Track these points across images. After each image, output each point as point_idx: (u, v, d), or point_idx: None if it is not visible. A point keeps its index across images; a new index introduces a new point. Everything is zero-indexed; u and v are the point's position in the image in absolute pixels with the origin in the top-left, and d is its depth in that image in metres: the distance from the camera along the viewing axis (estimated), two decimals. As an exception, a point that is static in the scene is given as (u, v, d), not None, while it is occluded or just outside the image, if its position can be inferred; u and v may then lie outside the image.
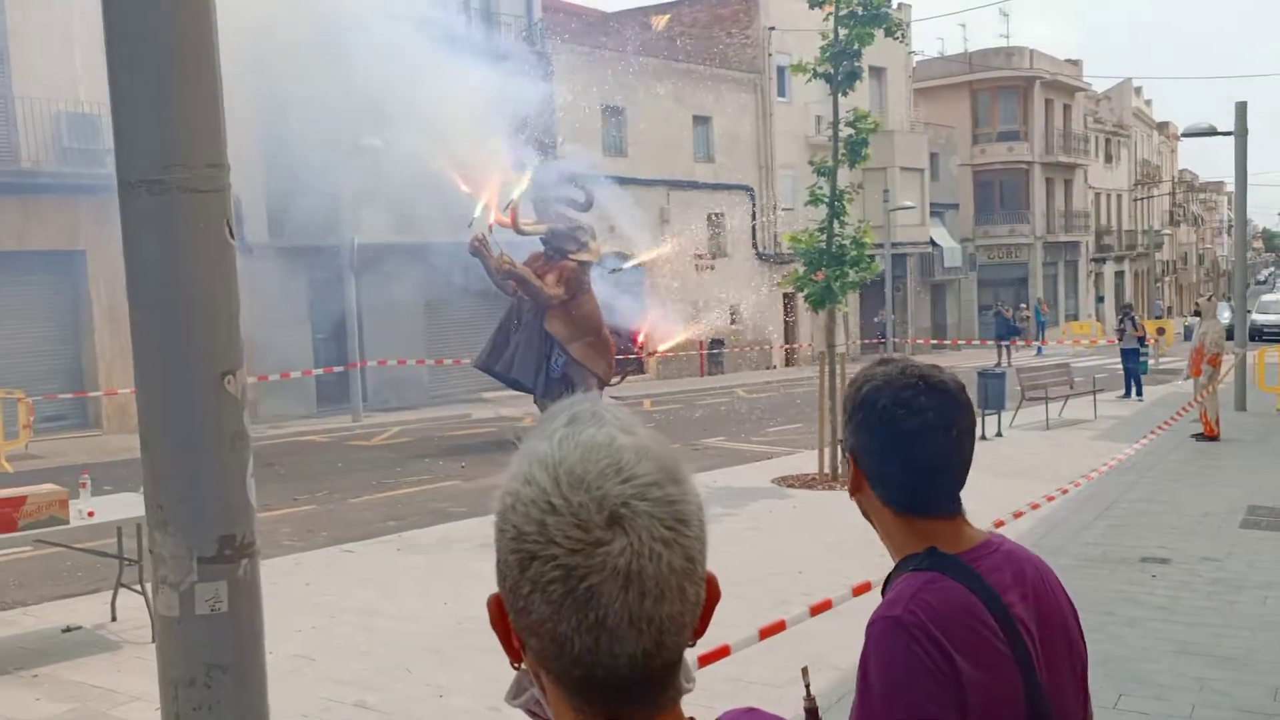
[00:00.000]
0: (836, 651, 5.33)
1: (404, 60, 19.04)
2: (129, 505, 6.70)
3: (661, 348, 18.09)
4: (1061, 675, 1.52)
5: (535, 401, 15.99)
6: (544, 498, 0.83)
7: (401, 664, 5.97)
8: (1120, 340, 20.65)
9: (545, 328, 15.63)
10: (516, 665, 0.92)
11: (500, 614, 0.89)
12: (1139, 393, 19.69)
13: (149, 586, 5.27)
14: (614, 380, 16.47)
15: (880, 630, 1.45)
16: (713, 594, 0.90)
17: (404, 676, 5.78)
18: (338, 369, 20.98)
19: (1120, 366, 20.69)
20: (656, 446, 0.87)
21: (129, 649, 6.32)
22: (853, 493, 1.64)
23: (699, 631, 0.90)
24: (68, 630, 6.79)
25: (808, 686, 1.44)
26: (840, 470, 11.52)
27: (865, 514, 1.65)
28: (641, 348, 17.61)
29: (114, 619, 6.90)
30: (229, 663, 2.13)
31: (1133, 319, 21.10)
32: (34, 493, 6.26)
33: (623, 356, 16.96)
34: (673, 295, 20.09)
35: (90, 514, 6.53)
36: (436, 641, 6.23)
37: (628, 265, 17.47)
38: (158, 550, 2.09)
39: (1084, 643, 1.60)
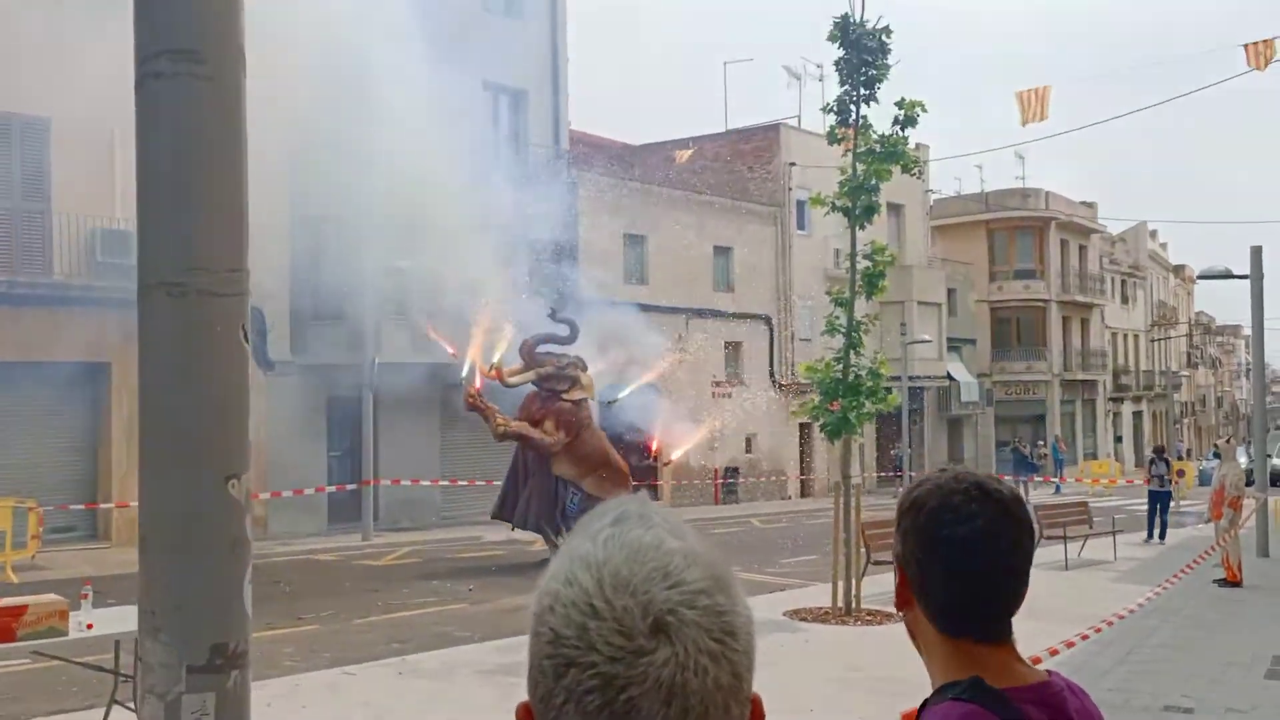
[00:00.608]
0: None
1: (434, 182, 19.58)
2: (129, 619, 6.59)
3: (675, 455, 18.06)
4: None
5: (551, 541, 15.88)
6: (586, 600, 0.77)
7: (396, 793, 5.76)
8: (1150, 482, 19.87)
9: (554, 472, 15.68)
10: None
11: None
12: (1163, 535, 19.27)
13: (143, 702, 5.14)
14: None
15: None
16: (757, 716, 0.84)
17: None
18: (350, 486, 20.92)
19: (1143, 508, 20.31)
20: (706, 552, 0.82)
21: (118, 768, 6.14)
22: (899, 607, 1.53)
23: None
24: (58, 747, 6.61)
25: None
26: (854, 604, 11.29)
27: (910, 633, 1.54)
28: (656, 457, 17.60)
29: (105, 736, 6.72)
30: (213, 779, 2.05)
31: (1166, 460, 20.58)
32: (35, 603, 6.19)
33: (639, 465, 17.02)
34: (683, 404, 20.08)
35: (89, 626, 6.44)
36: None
37: (623, 394, 17.52)
38: (147, 659, 2.05)
39: None
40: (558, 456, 15.72)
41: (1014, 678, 1.44)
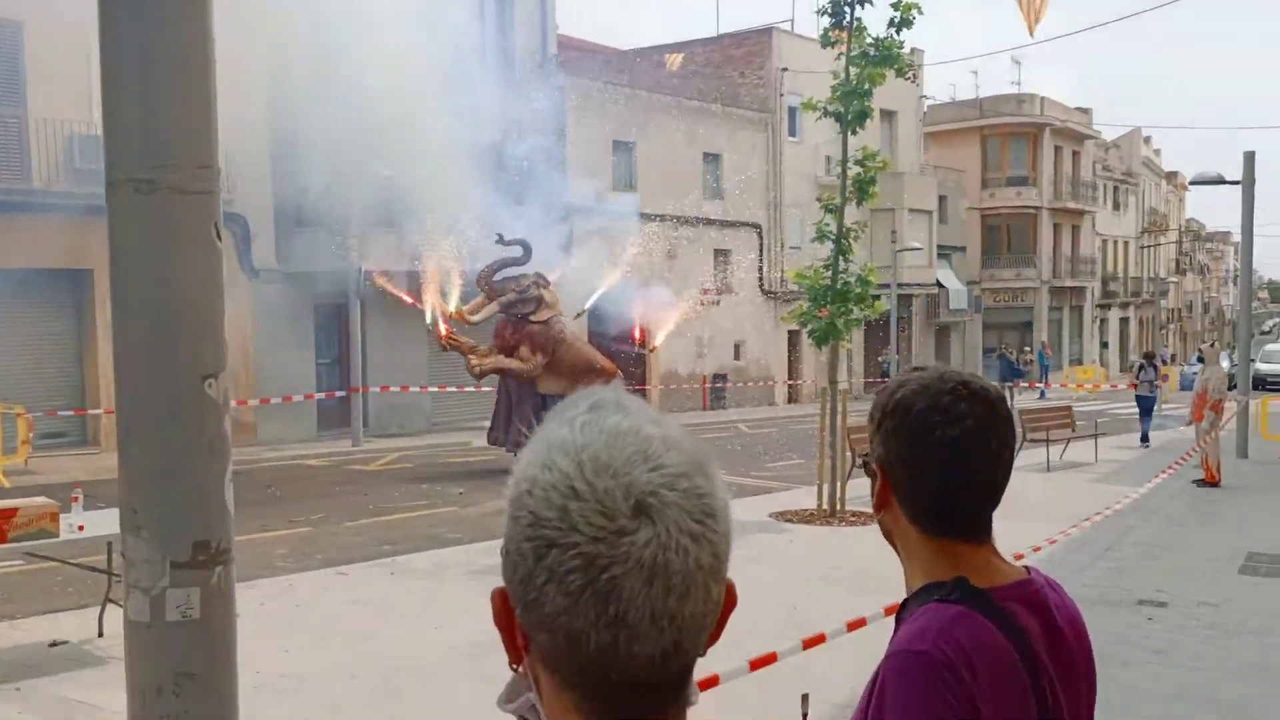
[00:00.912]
0: (829, 686, 5.27)
1: (418, 89, 19.22)
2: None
3: (659, 339, 18.19)
4: None
5: None
6: (566, 482, 0.77)
7: (390, 687, 5.91)
8: (1139, 387, 19.87)
9: (541, 391, 15.72)
10: (515, 667, 0.86)
11: (505, 609, 0.83)
12: (1144, 439, 19.51)
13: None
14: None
15: (904, 664, 1.33)
16: (730, 600, 0.85)
17: (392, 700, 5.72)
18: (339, 394, 20.98)
19: (1126, 412, 20.55)
20: (683, 438, 0.82)
21: (114, 665, 6.25)
22: (878, 509, 1.50)
23: (711, 640, 0.85)
24: (54, 645, 6.74)
25: (805, 716, 1.35)
26: (839, 506, 11.47)
27: (887, 534, 1.53)
28: (643, 343, 17.74)
29: (100, 634, 6.84)
30: (199, 672, 2.09)
31: (1155, 366, 20.56)
32: (25, 505, 6.24)
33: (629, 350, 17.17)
34: (658, 291, 20.10)
35: (80, 528, 6.51)
36: (427, 666, 6.17)
37: (589, 305, 17.47)
38: (130, 555, 2.07)
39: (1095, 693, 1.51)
40: (541, 376, 15.78)
41: (997, 576, 1.44)
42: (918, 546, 1.46)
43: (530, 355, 15.72)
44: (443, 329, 15.84)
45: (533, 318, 15.86)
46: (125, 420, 2.07)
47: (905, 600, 1.48)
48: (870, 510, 1.60)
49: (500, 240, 16.46)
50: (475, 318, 15.94)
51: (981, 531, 1.46)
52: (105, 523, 6.63)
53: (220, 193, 2.12)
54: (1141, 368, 20.23)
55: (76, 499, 6.88)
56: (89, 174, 17.57)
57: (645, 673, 0.78)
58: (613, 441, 0.79)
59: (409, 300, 16.59)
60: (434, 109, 19.41)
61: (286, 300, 20.80)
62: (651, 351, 19.16)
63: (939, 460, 1.41)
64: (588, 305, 17.29)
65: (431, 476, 15.57)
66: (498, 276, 16.00)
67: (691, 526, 0.78)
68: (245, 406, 20.10)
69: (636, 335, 18.14)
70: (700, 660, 0.83)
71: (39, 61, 17.68)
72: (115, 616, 6.71)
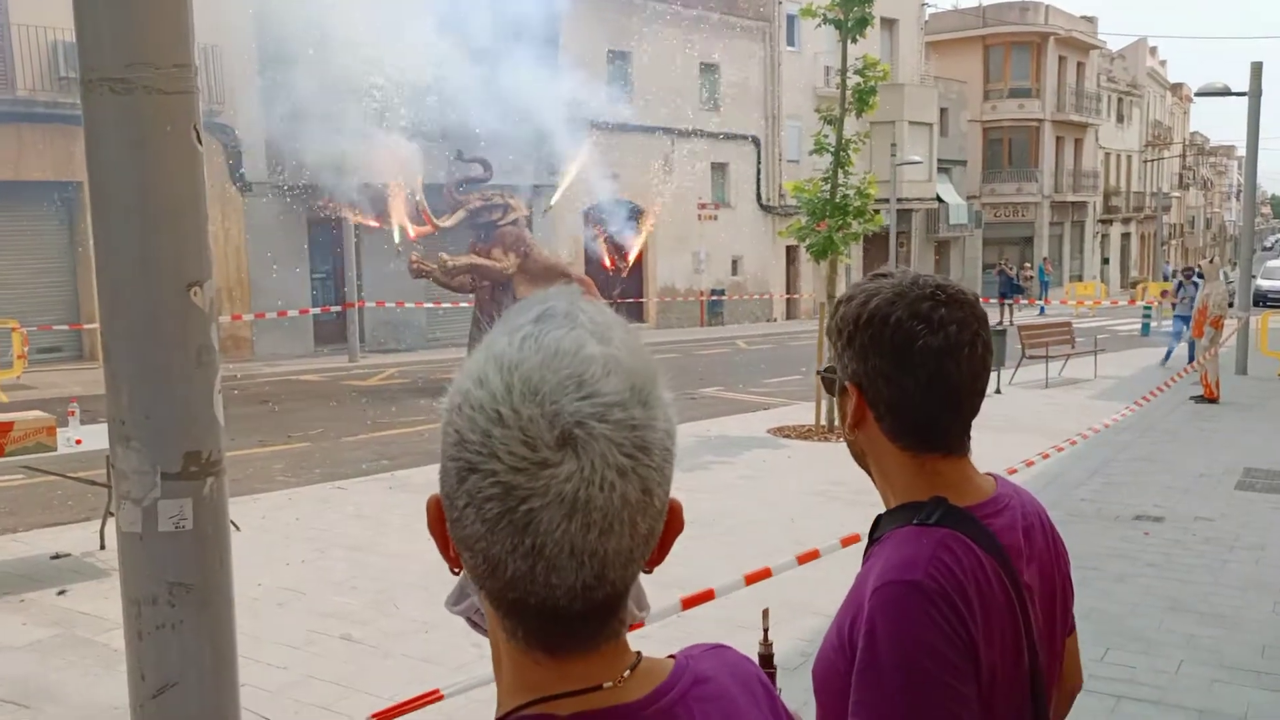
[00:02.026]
0: (822, 597, 5.32)
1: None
2: (118, 435, 6.65)
3: (631, 256, 18.15)
4: (1051, 640, 1.41)
5: None
6: (493, 405, 0.74)
7: (389, 599, 5.96)
8: (1179, 305, 18.67)
9: (519, 297, 15.64)
10: (455, 571, 0.85)
11: (439, 518, 0.80)
12: (1166, 358, 18.76)
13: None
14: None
15: (897, 596, 1.25)
16: (674, 523, 0.82)
17: (391, 611, 5.77)
18: (335, 309, 20.90)
19: (1127, 328, 20.41)
20: (630, 359, 0.77)
21: (115, 576, 6.29)
22: (853, 427, 1.40)
23: (656, 560, 0.82)
24: (56, 557, 6.78)
25: (766, 631, 1.29)
26: (836, 422, 11.49)
27: (858, 455, 1.45)
28: (615, 267, 17.69)
29: (102, 547, 6.89)
30: (193, 582, 2.07)
31: (1196, 283, 19.35)
32: (21, 419, 6.21)
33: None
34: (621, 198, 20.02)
35: (78, 442, 6.50)
36: (424, 578, 6.21)
37: (555, 200, 17.32)
38: (120, 465, 2.03)
39: (1070, 605, 1.48)
40: (519, 281, 15.74)
41: (975, 492, 1.38)
42: (896, 465, 1.39)
43: (503, 256, 15.71)
44: (411, 231, 15.81)
45: (501, 222, 15.81)
46: (109, 329, 2.01)
47: (879, 518, 1.41)
48: None
49: (459, 157, 16.39)
50: (445, 224, 15.91)
51: (962, 444, 1.40)
52: (103, 437, 6.60)
53: (199, 93, 2.03)
54: (1180, 284, 19.40)
55: (73, 413, 6.86)
56: (75, 83, 17.22)
57: (566, 600, 0.76)
58: (548, 362, 0.74)
59: (375, 223, 16.49)
60: (424, 15, 18.95)
61: (279, 214, 20.60)
62: (626, 271, 18.97)
63: (924, 371, 1.32)
64: (553, 200, 17.13)
65: (428, 392, 15.58)
66: (461, 189, 16.00)
67: (620, 461, 0.74)
68: (241, 321, 20.06)
69: (611, 264, 17.97)
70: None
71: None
72: (115, 529, 6.76)
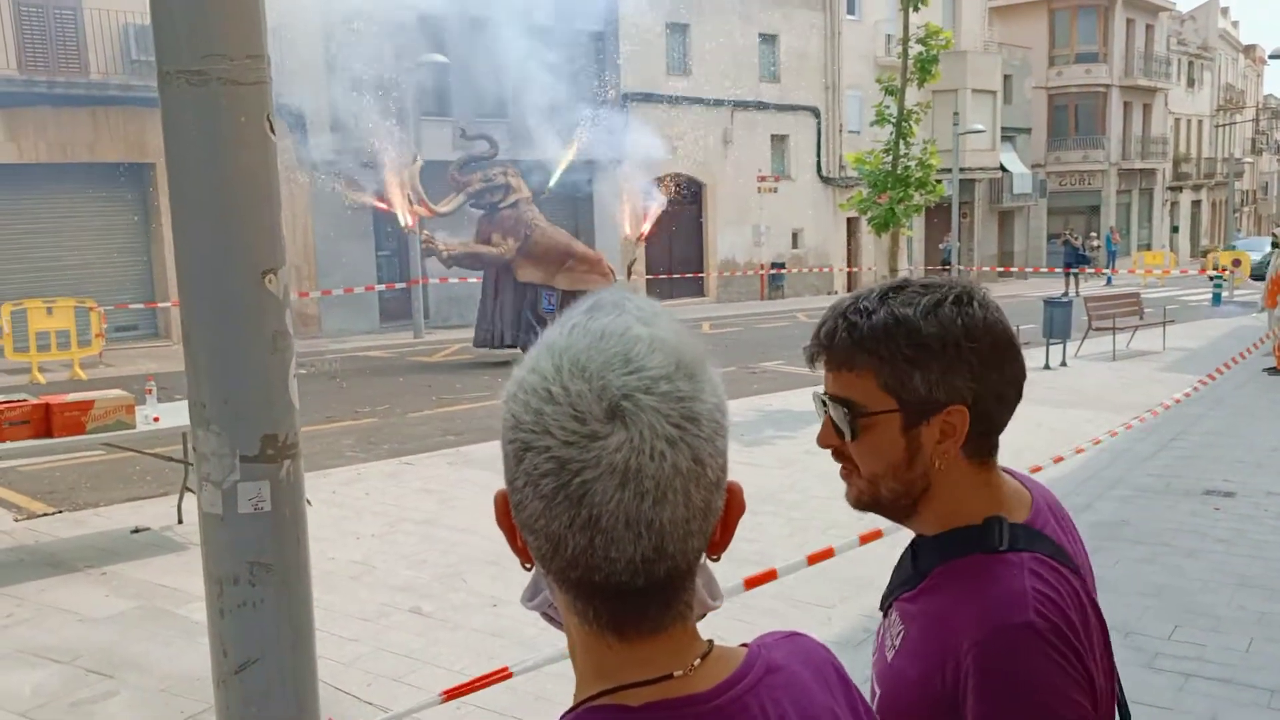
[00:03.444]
0: (885, 575, 5.31)
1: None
2: (192, 412, 6.83)
3: (646, 228, 18.06)
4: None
5: (521, 348, 16.05)
6: (544, 385, 0.77)
7: (457, 574, 6.07)
8: None
9: (520, 281, 15.70)
10: (527, 566, 0.88)
11: (505, 510, 0.84)
12: None
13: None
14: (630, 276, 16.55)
15: (1013, 643, 1.14)
16: (735, 506, 0.84)
17: (459, 586, 5.88)
18: (399, 285, 21.17)
19: (1198, 298, 19.83)
20: (675, 339, 0.80)
21: (194, 550, 6.50)
22: (945, 453, 1.25)
23: (718, 544, 0.84)
24: (136, 531, 7.01)
25: None
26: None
27: (918, 490, 1.27)
28: (633, 236, 17.70)
29: (180, 521, 7.11)
30: (272, 561, 2.14)
31: None
32: (101, 398, 6.40)
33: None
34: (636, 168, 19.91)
35: (156, 419, 6.68)
36: (491, 553, 6.32)
37: (553, 182, 17.20)
38: (201, 448, 2.10)
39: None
40: (519, 264, 15.74)
41: (1020, 501, 1.30)
42: (962, 483, 1.26)
43: (501, 240, 15.72)
44: (408, 220, 15.94)
45: (501, 204, 15.77)
46: (189, 316, 2.08)
47: (916, 547, 1.30)
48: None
49: (464, 135, 16.37)
50: (443, 209, 15.93)
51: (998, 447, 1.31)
52: (179, 414, 6.79)
53: (272, 83, 2.08)
54: None
55: (150, 391, 7.06)
56: (146, 66, 17.59)
57: (628, 575, 0.78)
58: (596, 343, 0.78)
59: (381, 206, 16.60)
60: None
61: (345, 192, 20.87)
62: (641, 240, 18.81)
63: (1003, 380, 1.24)
64: (551, 183, 17.05)
65: (492, 367, 15.74)
66: (463, 170, 15.96)
67: (668, 430, 0.76)
68: (308, 299, 20.42)
69: (626, 228, 17.90)
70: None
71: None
72: (193, 504, 6.95)
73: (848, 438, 1.27)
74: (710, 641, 0.87)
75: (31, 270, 17.88)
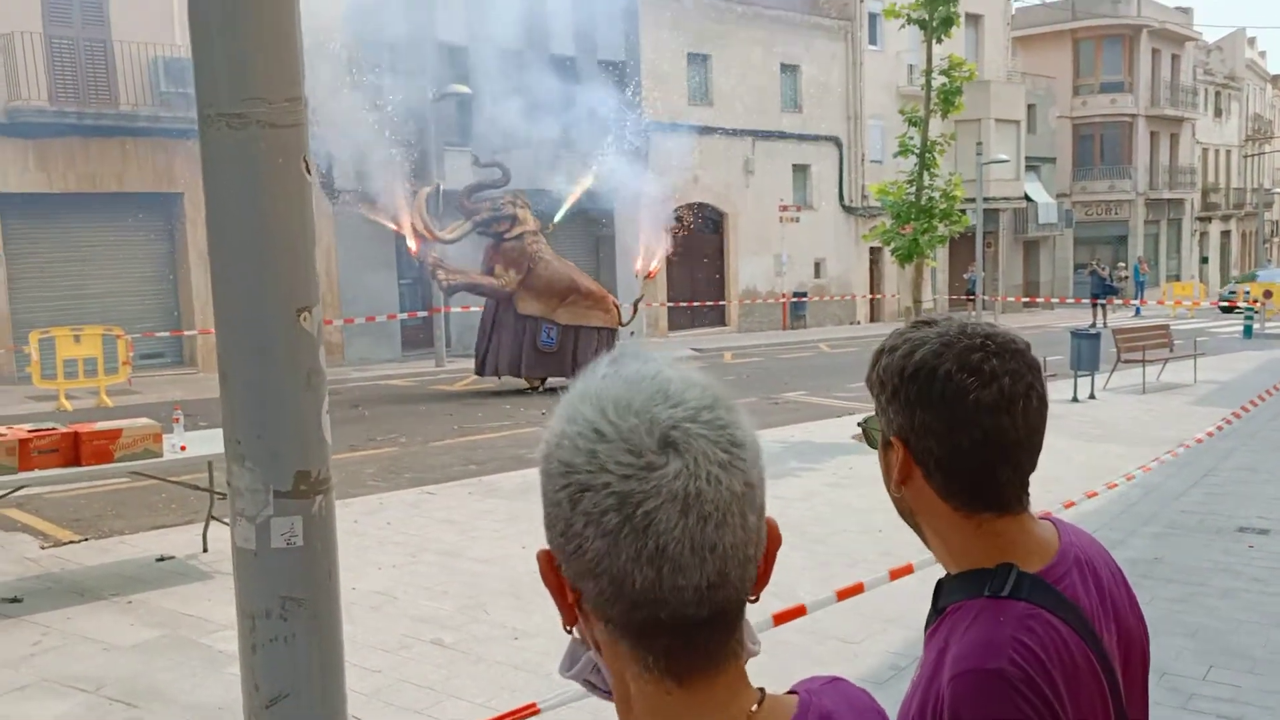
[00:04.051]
0: (913, 610, 5.25)
1: (489, 6, 18.96)
2: (218, 440, 6.85)
3: (654, 265, 18.08)
4: (1133, 695, 1.32)
5: (524, 377, 16.06)
6: (591, 427, 0.79)
7: (479, 605, 6.05)
8: None
9: (520, 312, 15.70)
10: (569, 628, 0.88)
11: (551, 568, 0.84)
12: None
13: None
14: (628, 320, 16.48)
15: (979, 685, 1.16)
16: (773, 539, 0.86)
17: (481, 617, 5.86)
18: (421, 314, 21.28)
19: (1228, 330, 19.71)
20: (703, 378, 0.84)
21: (219, 579, 6.52)
22: (900, 484, 1.32)
23: (761, 582, 0.85)
24: (161, 560, 7.03)
25: None
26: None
27: (907, 513, 1.36)
28: (642, 273, 17.74)
29: (205, 550, 7.13)
30: (304, 596, 2.14)
31: None
32: (129, 426, 6.45)
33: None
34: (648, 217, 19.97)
35: (183, 448, 6.72)
36: (513, 584, 6.30)
37: (558, 218, 17.19)
38: (235, 483, 2.11)
39: (1148, 646, 1.38)
40: (521, 296, 15.72)
41: (1041, 550, 1.29)
42: (950, 526, 1.30)
43: (503, 272, 15.73)
44: (412, 246, 16.01)
45: (507, 235, 15.80)
46: (225, 354, 2.09)
47: (940, 584, 1.33)
48: None
49: (476, 162, 16.43)
50: (449, 236, 15.97)
51: (1021, 500, 1.30)
52: (205, 443, 6.85)
53: (308, 125, 2.10)
54: None
55: (177, 420, 7.10)
56: (174, 97, 17.85)
57: (694, 606, 0.79)
58: (632, 385, 0.81)
59: (394, 227, 16.71)
60: (506, 23, 19.18)
61: (368, 221, 21.08)
62: (650, 277, 18.78)
63: (977, 429, 1.24)
64: (557, 218, 17.06)
65: (513, 396, 15.77)
66: (474, 197, 16.02)
67: (719, 455, 0.79)
68: (331, 326, 20.57)
69: (637, 265, 17.95)
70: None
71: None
72: (218, 533, 6.98)
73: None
74: (761, 690, 0.87)
75: (60, 298, 18.10)
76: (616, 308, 16.39)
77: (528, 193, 16.85)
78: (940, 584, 1.33)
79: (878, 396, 1.33)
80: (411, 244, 16.13)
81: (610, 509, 0.77)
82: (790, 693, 0.91)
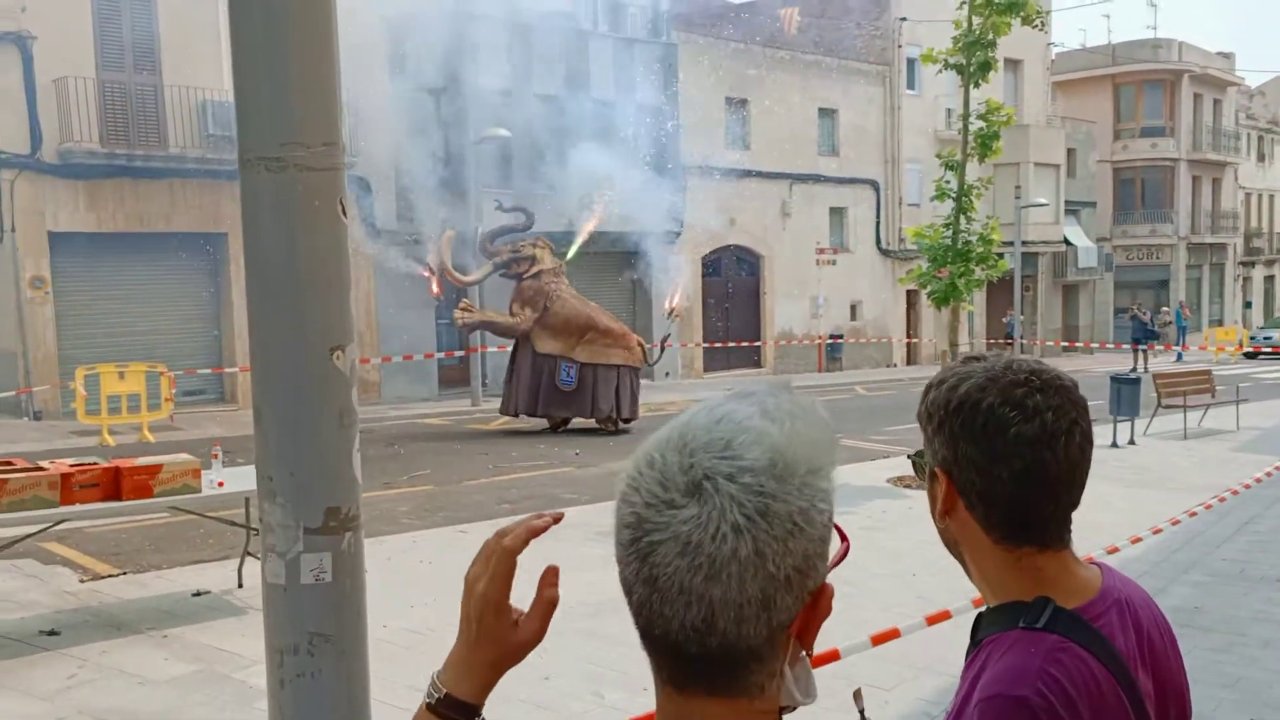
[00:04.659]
0: (947, 657, 5.18)
1: (530, 50, 19.27)
2: (256, 478, 6.94)
3: (674, 301, 18.16)
4: None
5: (543, 416, 16.11)
6: (650, 451, 0.86)
7: (508, 645, 6.03)
8: None
9: (539, 351, 15.78)
10: None
11: None
12: None
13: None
14: (654, 357, 16.60)
15: (1002, 712, 1.19)
16: (822, 604, 0.87)
17: (510, 657, 5.84)
18: (459, 353, 21.44)
19: (1271, 376, 19.43)
20: (788, 441, 0.83)
21: (253, 615, 6.56)
22: (943, 515, 1.35)
23: (805, 640, 0.87)
24: (197, 595, 7.10)
25: (862, 712, 1.21)
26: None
27: (951, 543, 1.39)
28: (669, 312, 17.80)
29: (240, 585, 7.19)
30: (331, 633, 2.16)
31: None
32: (170, 462, 6.54)
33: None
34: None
35: (220, 484, 6.80)
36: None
37: (572, 254, 17.24)
38: (267, 519, 2.14)
39: (1188, 699, 1.38)
40: (538, 335, 15.79)
41: (1081, 588, 1.31)
42: (992, 559, 1.32)
43: (520, 310, 15.86)
44: (435, 289, 16.21)
45: (525, 275, 15.92)
46: (260, 391, 2.14)
47: (979, 617, 1.35)
48: None
49: (499, 206, 16.62)
50: (468, 279, 16.18)
51: (1062, 537, 1.32)
52: (243, 479, 6.92)
53: (345, 169, 2.16)
54: None
55: (216, 456, 7.19)
56: (221, 140, 18.25)
57: (682, 640, 0.83)
58: (711, 425, 0.84)
59: (423, 272, 16.94)
60: (547, 67, 19.48)
61: (407, 261, 21.36)
62: (678, 316, 18.83)
63: (1017, 461, 1.27)
64: (569, 255, 17.12)
65: (548, 436, 15.81)
66: (497, 241, 16.18)
67: (737, 518, 0.81)
68: (368, 365, 20.77)
69: (667, 304, 17.96)
70: (820, 632, 0.87)
71: (171, 28, 18.36)
72: (254, 569, 7.04)
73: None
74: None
75: (106, 335, 18.44)
76: (641, 346, 16.45)
77: (558, 235, 17.03)
78: (979, 617, 1.36)
79: (925, 428, 1.38)
80: (434, 287, 16.34)
81: (629, 525, 0.84)
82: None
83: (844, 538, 0.93)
